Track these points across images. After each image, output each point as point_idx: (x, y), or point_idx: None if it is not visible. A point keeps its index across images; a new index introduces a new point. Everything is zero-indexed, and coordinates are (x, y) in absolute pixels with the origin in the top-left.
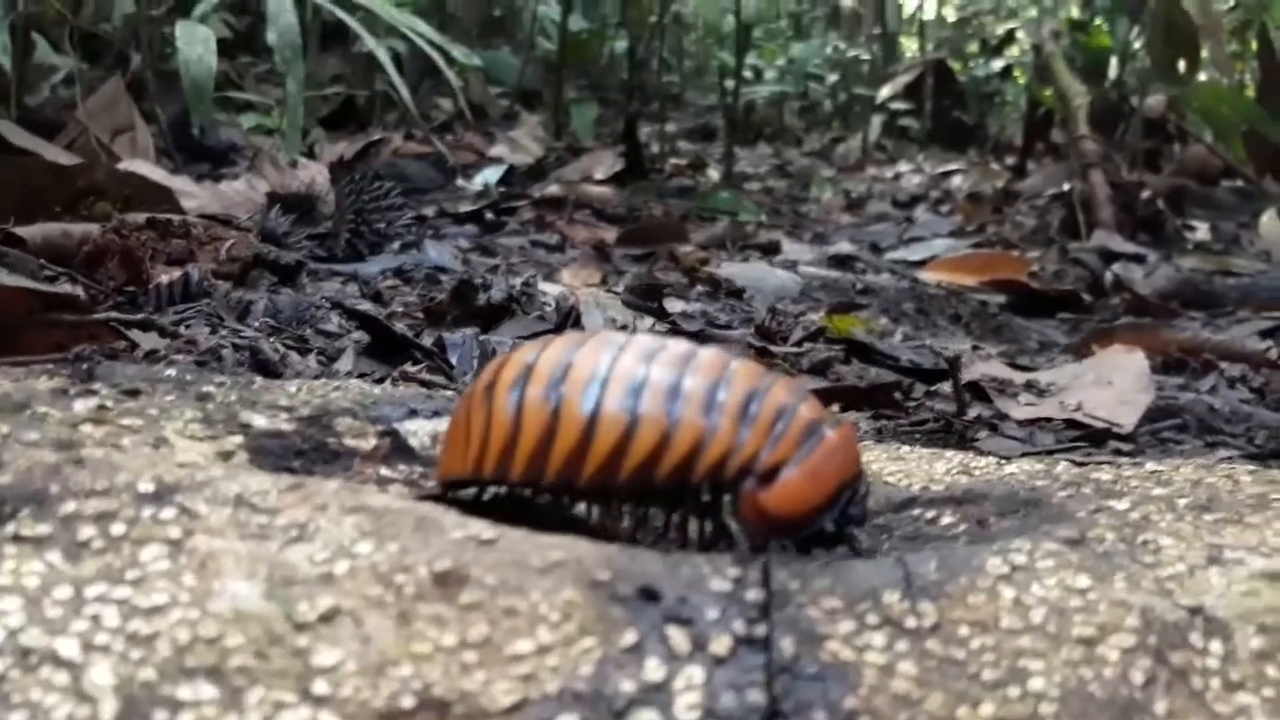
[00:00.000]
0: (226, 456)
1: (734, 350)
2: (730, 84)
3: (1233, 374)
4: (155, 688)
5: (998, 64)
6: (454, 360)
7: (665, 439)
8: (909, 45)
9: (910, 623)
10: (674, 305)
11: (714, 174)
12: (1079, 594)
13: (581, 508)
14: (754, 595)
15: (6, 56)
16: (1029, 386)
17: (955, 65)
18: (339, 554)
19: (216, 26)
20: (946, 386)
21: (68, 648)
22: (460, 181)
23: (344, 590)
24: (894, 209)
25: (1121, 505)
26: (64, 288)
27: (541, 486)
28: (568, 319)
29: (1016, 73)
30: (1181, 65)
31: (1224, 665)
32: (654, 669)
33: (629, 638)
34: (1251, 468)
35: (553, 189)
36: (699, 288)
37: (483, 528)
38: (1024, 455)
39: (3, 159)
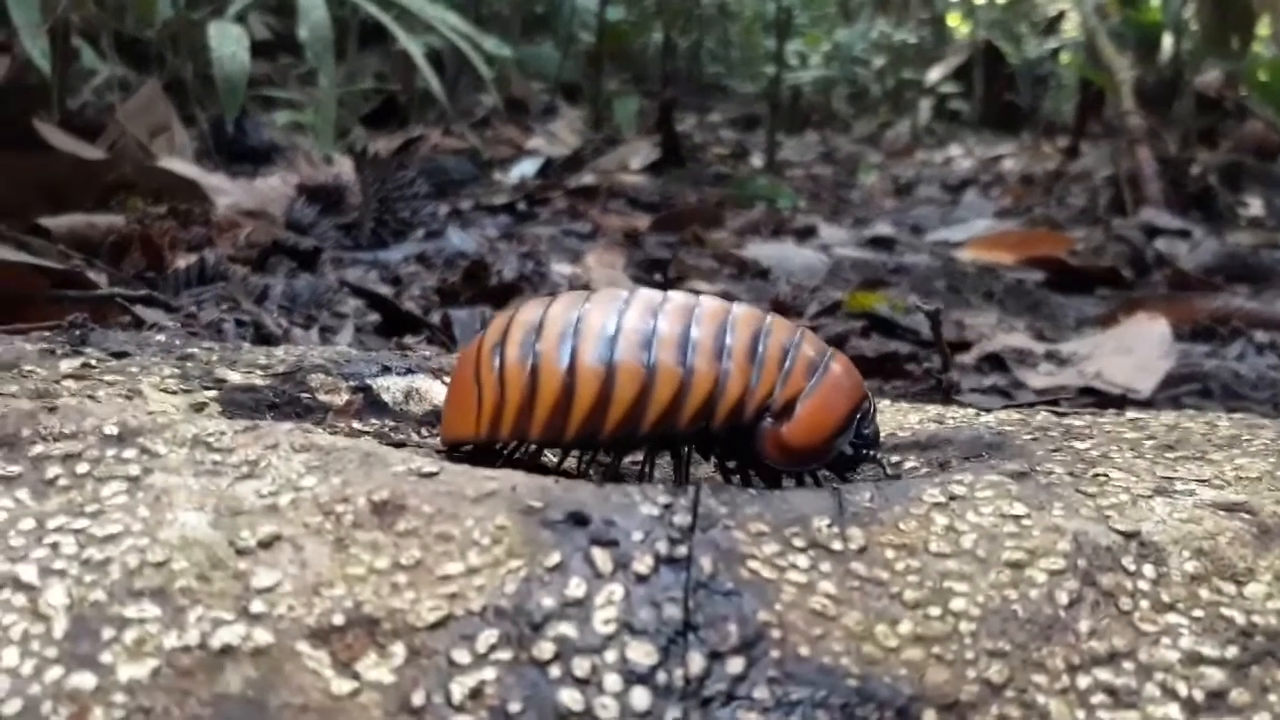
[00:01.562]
0: (199, 408)
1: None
2: (772, 70)
3: (1263, 341)
4: (104, 607)
5: (1050, 45)
6: (458, 335)
7: (684, 387)
8: (960, 28)
9: (836, 546)
10: (698, 286)
11: (757, 162)
12: (1013, 520)
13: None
14: (681, 519)
15: (45, 61)
16: (1050, 356)
17: (1007, 48)
18: (285, 487)
19: (258, 28)
20: (965, 358)
21: (27, 573)
22: (497, 175)
23: (286, 519)
24: (943, 193)
25: (1083, 445)
26: (77, 268)
27: (563, 443)
28: None
29: (1064, 56)
30: (1235, 41)
31: (1155, 587)
32: (576, 586)
33: (554, 558)
34: (1237, 416)
35: (587, 179)
36: (727, 269)
37: (425, 462)
38: (1005, 407)
39: (31, 155)
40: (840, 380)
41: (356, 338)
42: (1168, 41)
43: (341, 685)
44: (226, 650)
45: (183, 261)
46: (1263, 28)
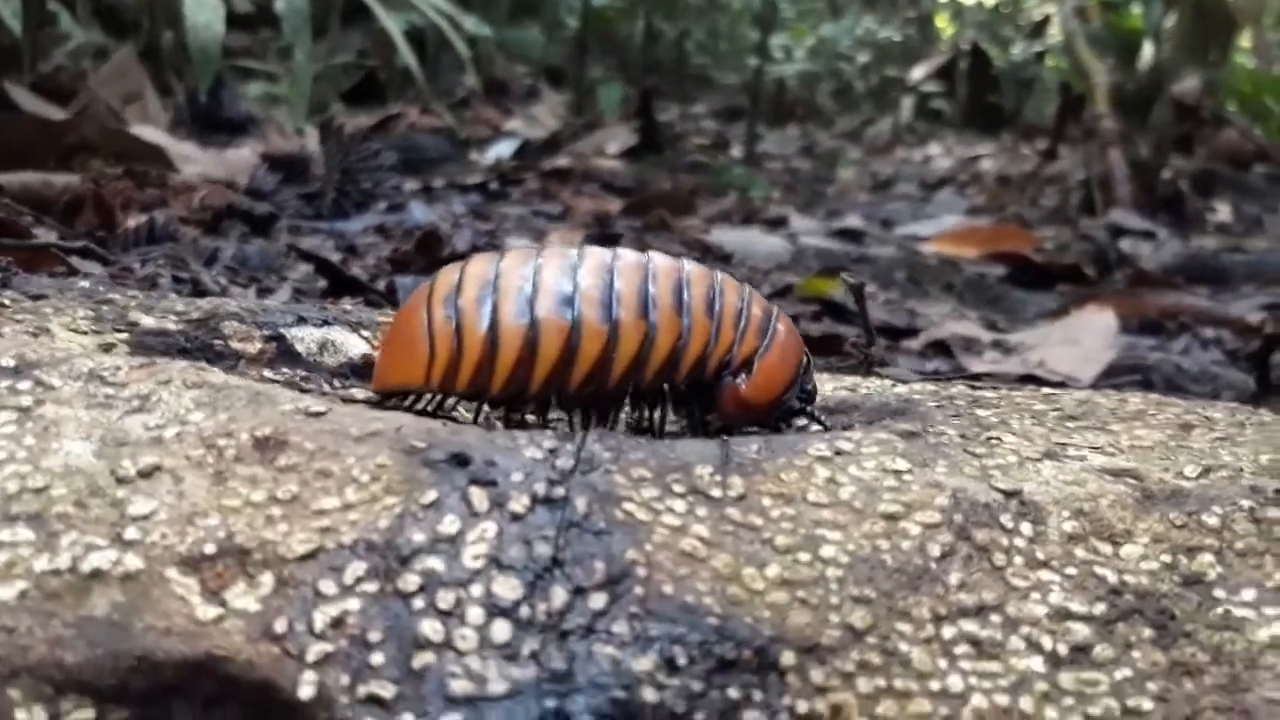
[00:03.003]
0: (107, 349)
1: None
2: (755, 62)
3: (1209, 337)
4: None
5: (1035, 48)
6: (401, 301)
7: (648, 343)
8: (947, 28)
9: (715, 492)
10: None
11: (737, 153)
12: (894, 475)
13: None
14: (564, 463)
15: (16, 22)
16: (996, 345)
17: (992, 49)
18: (172, 421)
19: (240, 0)
20: (912, 343)
21: None
22: (474, 154)
23: (169, 451)
24: (919, 190)
25: (984, 413)
26: (20, 218)
27: (525, 399)
28: None
29: (1050, 58)
30: (1213, 51)
31: (1030, 545)
32: (449, 523)
33: (431, 496)
34: (1153, 396)
35: (562, 161)
36: (692, 254)
37: (313, 401)
38: (922, 378)
39: None
40: (788, 338)
41: (296, 299)
42: (1148, 49)
43: (207, 611)
44: (96, 574)
45: (133, 221)
46: (1242, 39)
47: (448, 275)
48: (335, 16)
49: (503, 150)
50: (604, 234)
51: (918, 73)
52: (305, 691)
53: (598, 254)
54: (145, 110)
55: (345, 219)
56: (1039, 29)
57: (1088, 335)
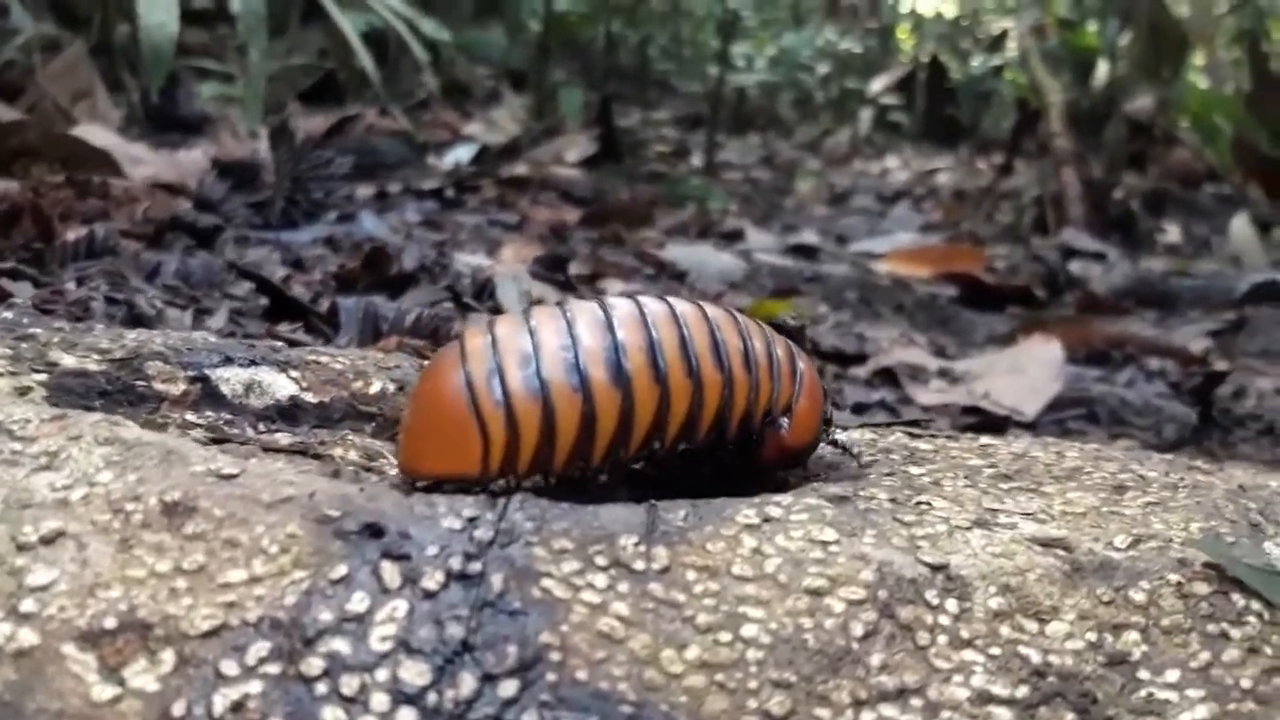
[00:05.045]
0: (23, 393)
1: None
2: (716, 70)
3: (1154, 368)
4: None
5: (993, 62)
6: (343, 323)
7: (698, 398)
8: (907, 40)
9: (639, 565)
10: (614, 286)
11: (697, 161)
12: (821, 546)
13: None
14: (483, 533)
15: None
16: (943, 374)
17: (951, 62)
18: (80, 481)
19: None
20: (859, 371)
21: None
22: (431, 159)
23: (74, 515)
24: (876, 203)
25: (918, 470)
26: None
27: (588, 471)
28: (482, 290)
29: (1008, 73)
30: (1166, 70)
31: (956, 623)
32: (358, 601)
33: (341, 570)
34: (1086, 446)
35: (520, 169)
36: (646, 269)
37: (227, 462)
38: (861, 426)
39: None
40: (814, 377)
41: (235, 322)
42: (1103, 66)
43: (104, 691)
44: None
45: (72, 234)
46: (1196, 58)
47: (477, 346)
48: (294, 15)
49: (461, 155)
50: (555, 258)
51: (877, 85)
52: None
53: (626, 308)
54: (95, 108)
55: (294, 229)
56: (997, 43)
57: (1034, 366)
